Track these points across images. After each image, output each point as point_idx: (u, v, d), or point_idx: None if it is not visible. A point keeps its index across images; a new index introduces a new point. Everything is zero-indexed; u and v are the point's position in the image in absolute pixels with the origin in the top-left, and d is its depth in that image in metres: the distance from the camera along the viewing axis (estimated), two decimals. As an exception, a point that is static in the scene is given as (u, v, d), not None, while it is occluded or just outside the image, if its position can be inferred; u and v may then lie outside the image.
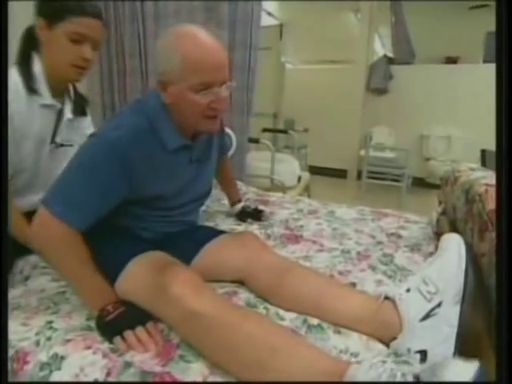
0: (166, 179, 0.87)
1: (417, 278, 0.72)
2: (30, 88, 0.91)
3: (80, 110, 1.09)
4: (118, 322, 0.69)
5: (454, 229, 1.12)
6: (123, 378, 0.59)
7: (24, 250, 0.92)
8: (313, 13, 4.51)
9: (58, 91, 0.99)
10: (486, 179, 0.92)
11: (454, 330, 0.65)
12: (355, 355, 0.66)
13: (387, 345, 0.69)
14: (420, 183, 4.04)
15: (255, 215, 1.36)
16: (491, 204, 0.77)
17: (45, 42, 0.92)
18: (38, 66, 0.93)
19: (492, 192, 0.80)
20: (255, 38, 1.99)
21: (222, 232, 1.03)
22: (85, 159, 0.76)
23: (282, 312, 0.76)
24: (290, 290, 0.79)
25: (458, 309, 0.66)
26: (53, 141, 1.01)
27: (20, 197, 0.98)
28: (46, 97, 0.95)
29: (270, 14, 3.46)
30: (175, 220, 0.99)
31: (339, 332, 0.71)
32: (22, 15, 0.97)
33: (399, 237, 1.26)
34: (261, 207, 1.47)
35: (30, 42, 0.94)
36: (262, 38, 2.08)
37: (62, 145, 1.04)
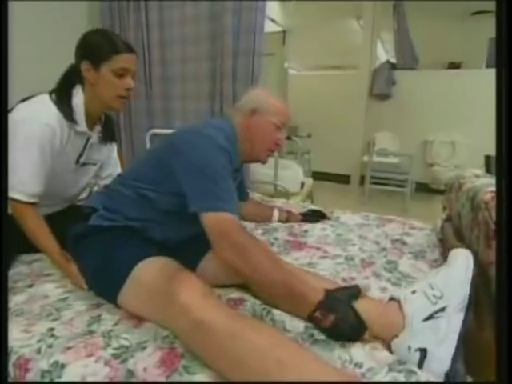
0: None
1: (423, 282, 0.74)
2: (71, 118, 1.03)
3: (110, 134, 1.23)
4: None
5: (458, 236, 1.11)
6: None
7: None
8: (315, 19, 4.54)
9: (92, 120, 1.12)
10: (492, 186, 0.91)
11: (456, 336, 0.65)
12: (360, 365, 0.65)
13: (389, 349, 0.69)
14: (424, 189, 4.02)
15: (319, 216, 1.47)
16: (497, 211, 0.76)
17: (92, 80, 1.03)
18: (78, 99, 1.05)
19: (498, 199, 0.79)
20: (259, 44, 2.00)
21: None
22: (205, 163, 0.85)
23: (287, 324, 0.75)
24: None
25: (461, 316, 0.67)
26: (78, 161, 1.14)
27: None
28: (82, 126, 1.08)
29: (273, 20, 3.48)
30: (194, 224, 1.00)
31: (344, 345, 0.70)
32: (21, 15, 0.99)
33: (403, 243, 1.25)
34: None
35: (72, 78, 1.06)
36: (266, 45, 2.09)
37: (84, 164, 1.18)
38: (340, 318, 0.68)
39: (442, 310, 0.67)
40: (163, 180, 0.90)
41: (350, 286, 0.78)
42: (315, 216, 1.48)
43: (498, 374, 0.44)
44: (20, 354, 0.66)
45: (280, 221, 1.42)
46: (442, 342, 0.65)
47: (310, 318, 0.71)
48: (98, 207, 0.93)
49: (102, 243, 0.87)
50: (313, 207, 1.54)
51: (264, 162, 1.11)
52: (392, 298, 0.75)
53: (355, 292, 0.74)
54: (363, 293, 0.76)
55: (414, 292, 0.72)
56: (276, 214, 1.43)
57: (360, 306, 0.73)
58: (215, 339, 0.61)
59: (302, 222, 1.41)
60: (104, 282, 0.83)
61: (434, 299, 0.69)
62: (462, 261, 0.74)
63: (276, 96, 1.10)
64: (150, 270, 0.77)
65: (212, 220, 0.79)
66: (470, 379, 0.62)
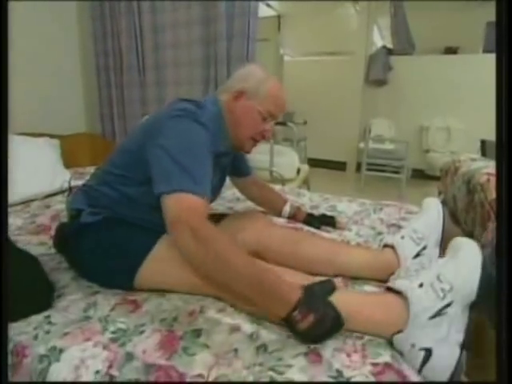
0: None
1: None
2: None
3: None
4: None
5: (454, 219, 1.12)
6: (125, 371, 0.59)
7: None
8: (311, 4, 4.45)
9: None
10: (488, 168, 0.91)
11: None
12: (360, 337, 0.65)
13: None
14: (419, 175, 4.04)
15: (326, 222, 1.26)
16: (493, 193, 0.77)
17: None
18: None
19: (494, 181, 0.80)
20: (253, 29, 1.96)
21: (225, 214, 1.11)
22: (181, 137, 0.77)
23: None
24: (305, 254, 0.90)
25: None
26: None
27: None
28: None
29: (268, 5, 3.42)
30: None
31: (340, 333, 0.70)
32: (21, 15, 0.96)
33: (399, 228, 1.25)
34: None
35: None
36: (260, 30, 2.05)
37: None
38: (319, 318, 0.60)
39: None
40: (136, 169, 0.82)
41: (324, 281, 0.68)
42: (318, 221, 1.24)
43: (498, 373, 0.44)
44: (17, 341, 0.66)
45: (288, 217, 1.27)
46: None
47: (287, 319, 0.62)
48: (83, 208, 0.89)
49: (103, 236, 0.84)
50: (327, 213, 1.33)
51: (247, 151, 1.00)
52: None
53: (330, 288, 0.66)
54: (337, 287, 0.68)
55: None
56: (287, 209, 1.27)
57: (364, 256, 0.89)
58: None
59: (303, 224, 1.24)
60: (114, 269, 0.81)
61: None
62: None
63: (274, 79, 0.96)
64: (164, 244, 0.78)
65: (172, 199, 0.69)
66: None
